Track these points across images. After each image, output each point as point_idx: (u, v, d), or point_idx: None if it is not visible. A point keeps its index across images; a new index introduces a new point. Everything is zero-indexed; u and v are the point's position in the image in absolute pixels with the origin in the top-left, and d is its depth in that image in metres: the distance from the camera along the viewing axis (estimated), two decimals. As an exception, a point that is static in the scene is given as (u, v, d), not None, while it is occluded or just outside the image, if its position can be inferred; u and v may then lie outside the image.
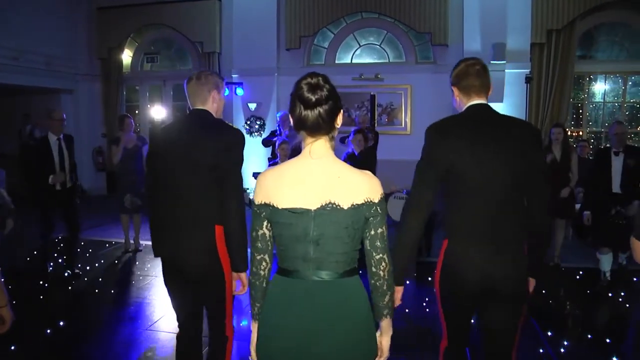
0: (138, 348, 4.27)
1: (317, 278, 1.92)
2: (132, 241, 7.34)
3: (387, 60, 11.35)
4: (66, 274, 6.10)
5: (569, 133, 10.71)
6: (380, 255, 1.98)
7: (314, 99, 1.90)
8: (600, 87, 10.85)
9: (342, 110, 2.01)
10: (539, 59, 10.09)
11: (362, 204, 1.90)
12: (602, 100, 10.84)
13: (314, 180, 1.91)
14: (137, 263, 6.79)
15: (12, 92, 11.98)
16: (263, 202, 1.96)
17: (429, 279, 6.02)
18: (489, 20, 9.99)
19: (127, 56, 12.97)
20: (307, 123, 1.92)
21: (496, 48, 9.82)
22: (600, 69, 10.62)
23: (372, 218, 1.94)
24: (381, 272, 2.00)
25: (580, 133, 10.72)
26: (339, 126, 2.00)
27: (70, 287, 5.82)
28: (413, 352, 4.25)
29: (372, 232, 1.96)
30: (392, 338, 2.13)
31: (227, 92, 10.67)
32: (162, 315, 4.97)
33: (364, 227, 1.95)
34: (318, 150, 1.95)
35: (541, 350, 4.21)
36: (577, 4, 9.69)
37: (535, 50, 10.07)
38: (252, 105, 11.07)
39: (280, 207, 1.92)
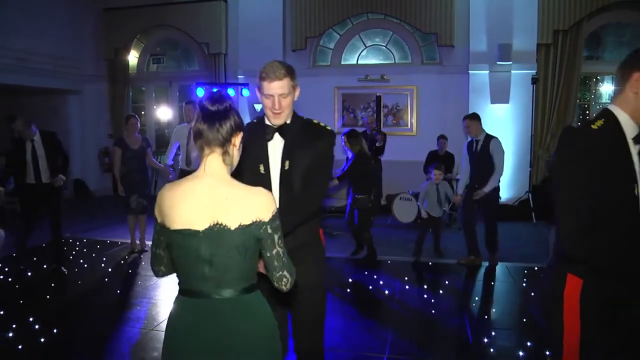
0: (144, 348, 4.27)
1: (217, 296, 1.92)
2: (137, 242, 7.35)
3: (393, 61, 11.35)
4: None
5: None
6: (280, 273, 1.97)
7: (213, 109, 1.93)
8: (607, 88, 10.80)
9: (241, 132, 2.01)
10: (546, 59, 10.06)
11: (251, 224, 1.89)
12: (609, 102, 10.75)
13: (203, 201, 1.90)
14: (143, 263, 6.79)
15: (19, 93, 12.02)
16: (160, 222, 1.98)
17: (440, 281, 6.02)
18: (495, 21, 9.98)
19: (133, 57, 13.00)
20: (202, 134, 1.94)
21: (502, 49, 9.80)
22: (608, 69, 10.54)
23: (263, 239, 1.92)
24: (283, 287, 2.00)
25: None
26: (237, 147, 2.01)
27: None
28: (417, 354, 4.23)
29: (268, 254, 1.95)
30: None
31: (232, 93, 10.68)
32: (168, 315, 4.96)
33: (257, 245, 1.94)
34: (212, 166, 1.95)
35: None
36: (583, 5, 9.66)
37: (542, 51, 10.04)
38: (258, 107, 11.05)
39: (172, 228, 1.92)
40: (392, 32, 11.28)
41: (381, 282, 5.94)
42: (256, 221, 1.89)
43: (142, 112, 13.35)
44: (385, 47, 11.41)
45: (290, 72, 2.54)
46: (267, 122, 2.66)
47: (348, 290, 5.72)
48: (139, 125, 7.34)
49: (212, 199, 1.89)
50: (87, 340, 4.43)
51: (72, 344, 4.37)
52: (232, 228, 1.87)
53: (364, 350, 4.17)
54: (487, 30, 10.09)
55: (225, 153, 1.96)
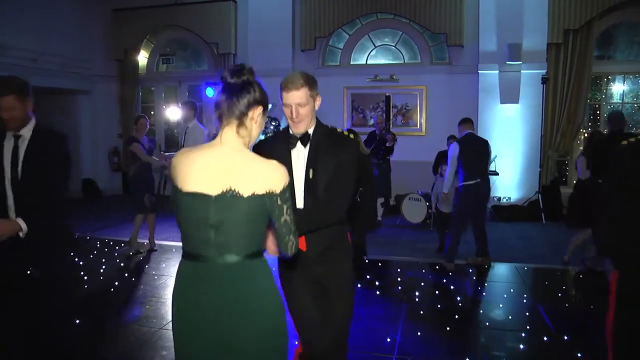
0: (153, 347, 4.28)
1: (220, 261, 1.95)
2: (143, 241, 7.41)
3: (402, 61, 11.32)
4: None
5: (585, 134, 10.62)
6: (287, 237, 2.02)
7: (232, 82, 1.99)
8: (618, 88, 10.71)
9: (261, 107, 2.05)
10: (556, 59, 10.00)
11: (263, 194, 1.93)
12: (620, 101, 10.70)
13: (218, 167, 1.95)
14: (152, 262, 6.82)
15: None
16: (174, 185, 2.02)
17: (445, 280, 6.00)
18: (505, 20, 9.94)
19: (142, 57, 13.06)
20: (221, 105, 2.01)
21: (512, 48, 9.77)
22: (619, 69, 10.50)
23: (275, 210, 1.97)
24: (289, 251, 2.05)
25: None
26: (256, 120, 2.05)
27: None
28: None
29: (276, 222, 1.99)
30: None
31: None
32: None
33: (267, 213, 1.98)
34: (227, 137, 2.01)
35: None
36: (595, 4, 9.58)
37: (552, 51, 9.99)
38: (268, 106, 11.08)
39: (183, 190, 1.96)
40: (402, 32, 11.25)
41: (390, 283, 5.92)
42: (268, 192, 1.93)
43: (152, 112, 13.40)
44: (395, 47, 11.39)
45: (308, 82, 2.62)
46: (290, 131, 2.72)
47: (357, 290, 5.71)
48: (148, 126, 7.43)
49: (227, 166, 1.95)
50: (96, 339, 4.45)
51: (81, 342, 4.38)
52: (245, 195, 1.92)
53: (373, 351, 4.16)
54: (496, 29, 10.05)
55: (241, 125, 2.01)
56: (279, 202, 1.96)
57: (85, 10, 12.48)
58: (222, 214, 1.92)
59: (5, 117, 3.05)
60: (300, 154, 2.70)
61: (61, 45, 11.55)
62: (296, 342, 2.89)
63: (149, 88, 13.46)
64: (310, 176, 2.65)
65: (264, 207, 1.95)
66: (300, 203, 2.66)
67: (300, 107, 2.60)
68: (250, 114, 2.01)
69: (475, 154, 6.39)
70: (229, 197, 1.91)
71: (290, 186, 2.01)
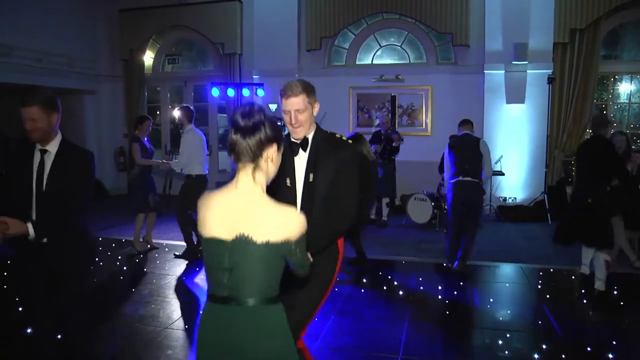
0: (159, 346, 4.29)
1: (234, 304, 1.97)
2: (141, 239, 7.45)
3: (408, 61, 11.30)
4: None
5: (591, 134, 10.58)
6: (299, 270, 2.11)
7: (242, 124, 1.97)
8: (625, 88, 10.66)
9: (275, 144, 2.04)
10: (562, 59, 9.96)
11: (279, 243, 1.94)
12: (627, 101, 10.65)
13: (232, 212, 1.96)
14: (157, 262, 6.83)
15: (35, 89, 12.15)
16: (199, 229, 2.07)
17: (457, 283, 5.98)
18: (511, 20, 9.91)
19: (148, 57, 13.08)
20: (234, 147, 2.00)
21: (518, 48, 9.74)
22: (626, 69, 10.45)
23: (288, 253, 1.99)
24: (300, 274, 2.15)
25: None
26: (272, 159, 2.04)
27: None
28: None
29: (290, 260, 2.03)
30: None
31: (247, 93, 10.70)
32: (181, 314, 4.99)
33: (281, 259, 2.00)
34: (242, 181, 2.01)
35: None
36: (601, 3, 9.53)
37: (558, 50, 9.94)
38: (273, 107, 11.06)
39: (203, 235, 2.02)
40: (407, 31, 11.24)
41: (395, 283, 5.91)
42: (284, 241, 1.94)
43: (157, 112, 13.44)
44: (400, 47, 11.37)
45: (306, 89, 2.72)
46: (291, 138, 2.82)
47: (362, 290, 5.70)
48: (151, 128, 7.51)
49: (240, 211, 1.96)
50: (101, 339, 4.46)
51: (86, 342, 4.39)
52: (258, 242, 1.92)
53: (378, 351, 4.15)
54: (502, 29, 10.02)
55: (256, 168, 2.00)
56: (293, 247, 1.97)
57: (91, 11, 12.54)
58: (236, 259, 1.95)
59: (28, 128, 3.10)
60: (301, 160, 2.78)
61: (67, 46, 11.60)
62: None
63: (154, 88, 13.49)
64: (310, 179, 2.72)
65: (277, 253, 1.97)
66: (298, 206, 2.72)
67: (299, 113, 2.69)
68: (264, 154, 2.00)
69: (461, 152, 6.26)
70: (243, 243, 1.93)
71: (306, 233, 2.01)
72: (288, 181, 2.75)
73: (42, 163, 3.18)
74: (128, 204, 8.17)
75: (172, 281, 6.03)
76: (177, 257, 6.97)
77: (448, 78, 10.79)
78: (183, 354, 4.17)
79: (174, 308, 5.19)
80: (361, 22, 11.29)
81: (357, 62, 11.57)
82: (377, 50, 11.50)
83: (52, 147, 3.20)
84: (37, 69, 10.65)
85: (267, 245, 1.92)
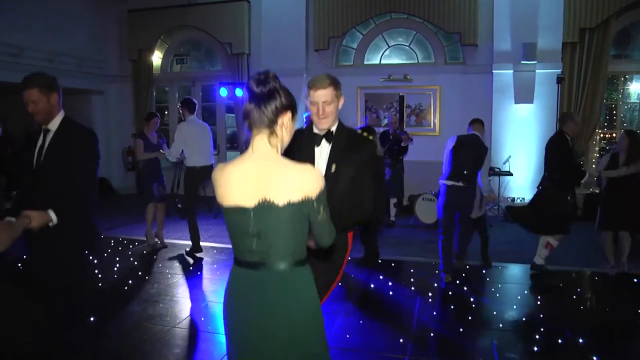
0: (166, 346, 4.30)
1: (263, 269, 2.01)
2: (156, 239, 7.50)
3: (416, 61, 11.28)
4: None
5: (600, 135, 10.52)
6: (324, 231, 2.09)
7: (257, 91, 2.00)
8: (636, 87, 10.58)
9: (290, 111, 2.07)
10: (571, 58, 9.90)
11: (299, 202, 1.97)
12: (637, 101, 10.58)
13: (252, 178, 1.99)
14: (165, 261, 6.85)
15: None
16: (218, 201, 2.10)
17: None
18: (520, 19, 9.87)
19: (157, 58, 13.13)
20: (250, 115, 2.03)
21: (526, 48, 9.70)
22: (636, 68, 10.37)
23: (312, 212, 2.02)
24: (326, 243, 2.14)
25: (614, 135, 10.48)
26: (286, 126, 2.07)
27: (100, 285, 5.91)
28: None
29: (314, 221, 2.05)
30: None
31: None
32: (189, 313, 5.00)
33: (305, 218, 2.03)
34: (258, 147, 2.04)
35: None
36: (612, 1, 9.47)
37: (567, 50, 9.89)
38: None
39: (224, 205, 2.05)
40: (415, 31, 11.22)
41: (402, 283, 5.90)
42: (305, 198, 1.97)
43: (166, 112, 13.49)
44: (409, 46, 11.35)
45: (334, 83, 2.83)
46: (314, 129, 2.93)
47: (369, 291, 5.70)
48: (158, 124, 7.59)
49: (259, 177, 1.98)
50: (108, 337, 4.48)
51: (94, 340, 4.41)
52: (280, 205, 1.96)
53: (385, 352, 4.15)
54: (511, 29, 9.99)
55: (272, 134, 2.04)
56: (315, 205, 2.00)
57: (101, 11, 12.61)
58: (261, 224, 1.98)
59: (30, 110, 3.22)
60: (323, 151, 2.89)
61: (77, 46, 11.67)
62: None
63: (163, 88, 13.54)
64: (332, 170, 2.82)
65: (301, 212, 1.99)
66: None
67: (326, 105, 2.80)
68: (279, 121, 2.03)
69: (462, 155, 6.01)
70: (266, 207, 1.97)
71: (326, 189, 2.04)
72: None
73: (43, 142, 3.28)
74: (137, 203, 8.20)
75: (179, 280, 6.05)
76: (187, 254, 7.05)
77: (456, 78, 10.76)
78: (191, 352, 4.19)
79: (181, 307, 5.20)
80: (369, 22, 11.28)
81: (365, 62, 11.57)
82: (385, 50, 11.48)
83: (53, 125, 3.30)
84: (47, 70, 10.66)
85: (290, 205, 1.96)
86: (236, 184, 2.01)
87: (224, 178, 2.04)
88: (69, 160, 3.19)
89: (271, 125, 2.02)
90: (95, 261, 6.44)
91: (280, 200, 1.95)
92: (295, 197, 1.95)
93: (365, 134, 3.00)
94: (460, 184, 5.92)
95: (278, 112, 2.02)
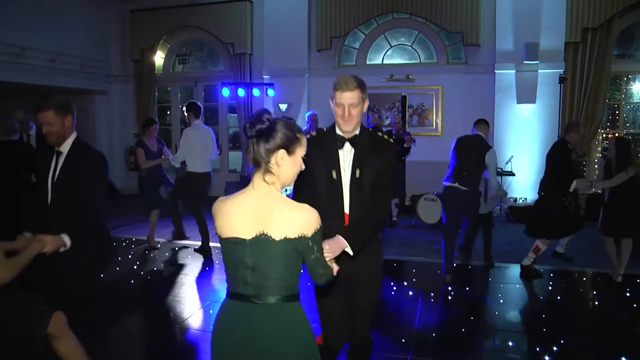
0: (170, 344, 4.31)
1: (258, 302, 2.05)
2: (160, 239, 7.52)
3: (419, 61, 11.27)
4: None
5: (603, 135, 10.49)
6: (318, 269, 2.12)
7: (249, 133, 2.07)
8: (639, 87, 10.55)
9: (283, 150, 2.08)
10: (574, 58, 9.88)
11: (295, 238, 2.02)
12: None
13: (251, 212, 2.06)
14: (168, 261, 6.86)
15: (49, 93, 12.27)
16: (217, 232, 2.15)
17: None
18: (522, 19, 9.86)
19: (159, 58, 13.15)
20: (248, 154, 2.12)
21: (529, 48, 9.68)
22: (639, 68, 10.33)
23: (306, 251, 2.07)
24: (319, 281, 2.17)
25: (616, 135, 10.45)
26: (280, 164, 2.09)
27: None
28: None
29: (307, 260, 2.09)
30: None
31: (258, 92, 10.72)
32: (193, 312, 5.01)
33: (299, 255, 2.08)
34: (257, 183, 2.11)
35: None
36: (615, 1, 9.42)
37: (570, 50, 9.86)
38: (283, 106, 11.10)
39: (222, 236, 2.11)
40: (418, 31, 11.20)
41: (405, 283, 5.90)
42: (300, 236, 2.03)
43: (168, 112, 13.51)
44: (411, 46, 11.34)
45: (360, 85, 2.78)
46: (337, 131, 2.86)
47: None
48: (157, 130, 7.60)
49: (259, 211, 2.05)
50: (111, 337, 4.49)
51: (98, 340, 4.42)
52: (277, 239, 2.01)
53: (388, 352, 4.15)
54: (513, 28, 9.97)
55: (267, 172, 2.09)
56: (310, 243, 2.05)
57: (103, 12, 12.63)
58: (257, 257, 2.04)
59: (44, 131, 3.26)
60: (346, 155, 2.84)
61: (79, 46, 11.69)
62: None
63: (165, 88, 13.55)
64: (357, 175, 2.79)
65: (295, 249, 2.04)
66: (347, 203, 2.80)
67: (352, 107, 2.74)
68: (272, 160, 2.07)
69: (463, 156, 5.97)
70: (263, 241, 2.02)
71: (322, 230, 2.09)
72: (334, 174, 2.81)
73: (56, 164, 3.31)
74: (139, 203, 8.21)
75: (182, 280, 6.06)
76: (196, 251, 7.12)
77: (459, 78, 10.75)
78: (193, 351, 4.19)
79: (184, 307, 5.21)
80: (371, 22, 11.27)
81: (367, 62, 11.56)
82: (387, 50, 11.48)
83: (65, 148, 3.33)
84: (50, 70, 10.75)
85: (285, 241, 2.02)
86: (235, 217, 2.07)
87: (225, 211, 2.10)
88: (80, 181, 3.25)
89: (265, 164, 2.08)
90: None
91: (277, 235, 2.01)
92: (292, 233, 2.01)
93: (385, 136, 2.97)
94: (458, 185, 5.89)
95: (269, 152, 2.06)
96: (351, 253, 2.60)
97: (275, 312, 2.05)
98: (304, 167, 2.18)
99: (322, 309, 2.88)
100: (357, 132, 2.86)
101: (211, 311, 5.01)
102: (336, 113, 2.80)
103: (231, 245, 2.08)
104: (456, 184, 5.90)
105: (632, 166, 5.77)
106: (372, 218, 2.79)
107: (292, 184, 2.22)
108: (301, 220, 2.03)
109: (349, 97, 2.73)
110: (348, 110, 2.74)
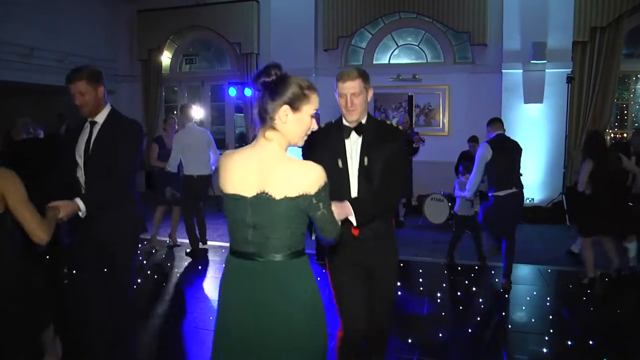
0: (172, 343, 4.32)
1: (259, 259, 2.01)
2: (163, 238, 7.52)
3: (425, 61, 11.25)
4: None
5: (611, 135, 10.44)
6: (326, 225, 2.06)
7: (255, 86, 2.04)
8: (647, 87, 10.49)
9: (286, 105, 2.02)
10: (582, 58, 9.83)
11: (297, 197, 1.95)
12: (649, 101, 10.50)
13: (253, 169, 2.01)
14: (174, 260, 6.88)
15: (59, 93, 12.31)
16: (220, 187, 2.12)
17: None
18: (529, 18, 9.81)
19: (166, 58, 13.18)
20: (254, 108, 2.07)
21: (536, 47, 9.64)
22: (649, 67, 10.27)
23: (310, 209, 2.00)
24: (329, 237, 2.11)
25: (625, 135, 10.40)
26: (284, 120, 2.03)
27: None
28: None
29: (314, 217, 2.03)
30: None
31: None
32: (199, 311, 5.02)
33: (303, 214, 2.01)
34: (260, 139, 2.06)
35: None
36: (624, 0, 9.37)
37: (578, 49, 9.82)
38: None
39: (224, 191, 2.07)
40: (425, 31, 11.18)
41: (411, 284, 5.90)
42: (302, 194, 1.96)
43: (175, 112, 13.52)
44: (418, 46, 11.32)
45: (362, 75, 2.82)
46: (344, 122, 2.91)
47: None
48: (176, 126, 7.55)
49: (260, 169, 2.00)
50: (114, 334, 4.50)
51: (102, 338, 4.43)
52: (277, 198, 1.95)
53: (394, 352, 4.14)
54: (521, 28, 9.93)
55: (270, 128, 2.04)
56: (314, 201, 1.98)
57: (111, 12, 12.69)
58: (258, 215, 1.99)
59: (78, 103, 3.25)
60: (353, 143, 2.87)
61: (87, 46, 11.73)
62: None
63: (172, 88, 13.59)
64: (365, 163, 2.82)
65: (298, 208, 1.98)
66: (355, 191, 2.82)
67: (354, 96, 2.77)
68: (275, 115, 2.01)
69: (508, 159, 5.69)
70: (263, 200, 1.97)
71: (327, 186, 2.02)
72: (340, 163, 2.84)
73: (90, 134, 3.30)
74: (146, 202, 8.21)
75: (185, 278, 6.07)
76: (187, 254, 7.05)
77: (465, 77, 10.72)
78: (196, 350, 4.20)
79: (190, 305, 5.22)
80: (378, 22, 11.26)
81: (374, 62, 11.54)
82: (394, 50, 11.46)
83: (100, 118, 3.34)
84: (58, 69, 10.78)
85: (286, 200, 1.95)
86: (237, 173, 2.03)
87: (228, 165, 2.07)
88: (115, 150, 3.24)
89: (268, 120, 2.03)
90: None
91: (278, 194, 1.95)
92: (293, 192, 1.95)
93: (394, 124, 3.00)
94: (515, 189, 5.64)
95: (271, 106, 2.01)
96: (354, 222, 2.60)
97: (277, 269, 2.00)
98: (315, 126, 2.14)
99: (341, 301, 2.87)
100: (363, 120, 2.89)
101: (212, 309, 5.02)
102: (340, 104, 2.85)
103: (232, 201, 2.04)
104: (514, 189, 5.63)
105: (589, 160, 5.72)
106: (380, 197, 2.79)
107: (301, 142, 2.14)
108: (302, 178, 1.95)
109: (350, 87, 2.77)
110: (350, 99, 2.78)
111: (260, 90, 2.02)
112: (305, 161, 2.02)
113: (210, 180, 7.15)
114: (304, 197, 1.95)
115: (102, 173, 3.22)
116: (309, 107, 2.07)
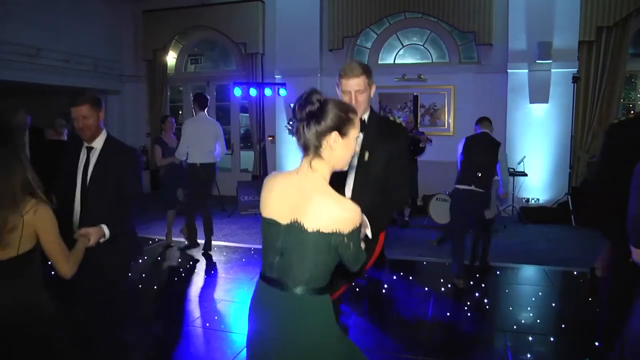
0: (179, 344, 4.33)
1: (279, 288, 1.99)
2: (180, 239, 7.57)
3: (431, 61, 11.23)
4: None
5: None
6: (352, 264, 2.03)
7: (299, 115, 1.97)
8: (654, 87, 10.43)
9: (336, 132, 1.96)
10: (588, 57, 9.79)
11: (329, 233, 1.90)
12: (656, 100, 10.45)
13: (290, 196, 1.98)
14: (179, 260, 6.89)
15: (63, 93, 12.37)
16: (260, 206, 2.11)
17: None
18: (535, 18, 9.78)
19: (171, 58, 13.21)
20: (297, 138, 2.01)
21: (542, 47, 9.61)
22: (656, 67, 10.22)
23: (341, 246, 1.93)
24: (354, 268, 2.06)
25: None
26: (333, 147, 1.97)
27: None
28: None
29: (343, 254, 1.97)
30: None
31: (270, 92, 10.73)
32: (203, 311, 5.03)
33: (332, 250, 1.95)
34: (303, 167, 2.01)
35: None
36: (632, -1, 9.30)
37: (584, 49, 9.77)
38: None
39: (262, 214, 2.07)
40: (430, 31, 11.16)
41: (416, 283, 5.89)
42: (335, 232, 1.90)
43: (180, 112, 13.56)
44: (423, 46, 11.30)
45: (366, 71, 2.78)
46: None
47: (382, 291, 5.69)
48: (174, 124, 7.55)
49: (299, 198, 1.95)
50: (122, 335, 4.51)
51: (106, 337, 4.44)
52: (309, 230, 1.90)
53: (397, 352, 4.14)
54: (526, 27, 9.90)
55: (315, 156, 1.99)
56: (346, 240, 1.92)
57: (116, 12, 12.74)
58: (288, 243, 1.96)
59: (79, 126, 3.31)
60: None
61: (92, 47, 11.80)
62: None
63: (177, 88, 13.61)
64: (365, 159, 2.78)
65: (328, 244, 1.92)
66: (349, 185, 2.80)
67: (359, 93, 2.75)
68: (323, 143, 1.96)
69: (477, 157, 5.83)
70: (295, 229, 1.93)
71: (361, 227, 1.98)
72: None
73: (87, 159, 3.36)
74: (152, 202, 8.25)
75: (194, 279, 6.08)
76: (203, 254, 7.09)
77: (471, 77, 10.70)
78: (204, 351, 4.21)
79: (195, 306, 5.24)
80: (383, 22, 11.24)
81: (379, 62, 11.52)
82: (399, 50, 11.44)
83: (98, 144, 3.39)
84: (64, 70, 10.85)
85: (318, 234, 1.89)
86: (276, 198, 2.01)
87: (268, 188, 2.07)
88: (116, 177, 3.32)
89: (314, 148, 1.97)
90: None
91: (310, 226, 1.90)
92: (326, 228, 1.89)
93: (396, 120, 2.98)
94: (474, 187, 5.76)
95: (320, 136, 1.95)
96: (369, 235, 2.56)
97: (296, 302, 1.96)
98: (358, 149, 2.10)
99: None
100: (365, 116, 2.86)
101: (220, 310, 5.03)
102: (344, 100, 2.78)
103: (267, 225, 2.03)
104: (472, 187, 5.75)
105: None
106: (390, 205, 2.79)
107: (346, 167, 2.10)
108: (338, 215, 1.89)
109: (355, 84, 2.74)
110: (355, 96, 2.75)
111: (305, 119, 1.95)
112: (345, 199, 1.96)
113: (214, 169, 7.12)
114: (336, 235, 1.90)
115: (104, 198, 3.30)
116: (355, 131, 2.03)
